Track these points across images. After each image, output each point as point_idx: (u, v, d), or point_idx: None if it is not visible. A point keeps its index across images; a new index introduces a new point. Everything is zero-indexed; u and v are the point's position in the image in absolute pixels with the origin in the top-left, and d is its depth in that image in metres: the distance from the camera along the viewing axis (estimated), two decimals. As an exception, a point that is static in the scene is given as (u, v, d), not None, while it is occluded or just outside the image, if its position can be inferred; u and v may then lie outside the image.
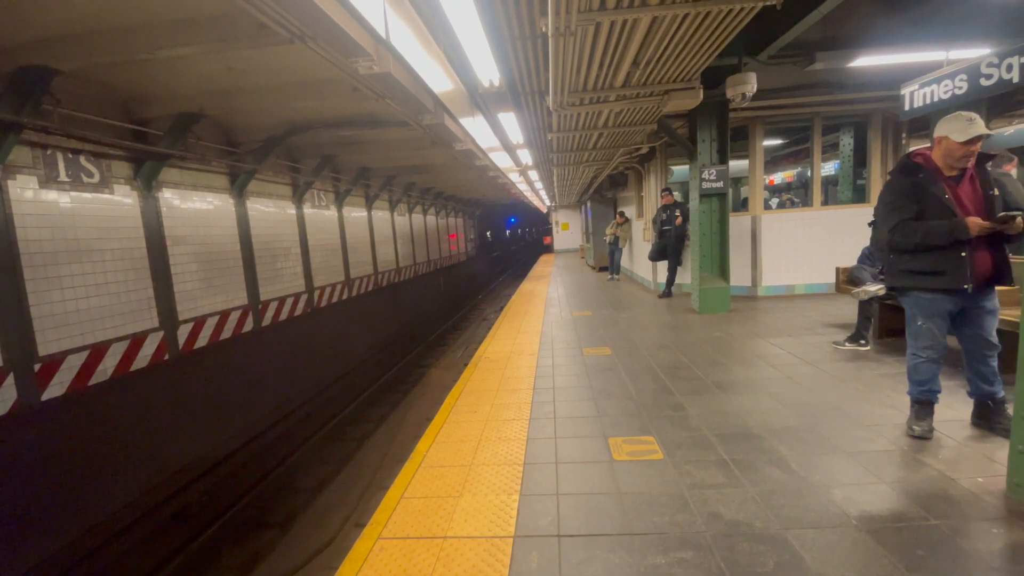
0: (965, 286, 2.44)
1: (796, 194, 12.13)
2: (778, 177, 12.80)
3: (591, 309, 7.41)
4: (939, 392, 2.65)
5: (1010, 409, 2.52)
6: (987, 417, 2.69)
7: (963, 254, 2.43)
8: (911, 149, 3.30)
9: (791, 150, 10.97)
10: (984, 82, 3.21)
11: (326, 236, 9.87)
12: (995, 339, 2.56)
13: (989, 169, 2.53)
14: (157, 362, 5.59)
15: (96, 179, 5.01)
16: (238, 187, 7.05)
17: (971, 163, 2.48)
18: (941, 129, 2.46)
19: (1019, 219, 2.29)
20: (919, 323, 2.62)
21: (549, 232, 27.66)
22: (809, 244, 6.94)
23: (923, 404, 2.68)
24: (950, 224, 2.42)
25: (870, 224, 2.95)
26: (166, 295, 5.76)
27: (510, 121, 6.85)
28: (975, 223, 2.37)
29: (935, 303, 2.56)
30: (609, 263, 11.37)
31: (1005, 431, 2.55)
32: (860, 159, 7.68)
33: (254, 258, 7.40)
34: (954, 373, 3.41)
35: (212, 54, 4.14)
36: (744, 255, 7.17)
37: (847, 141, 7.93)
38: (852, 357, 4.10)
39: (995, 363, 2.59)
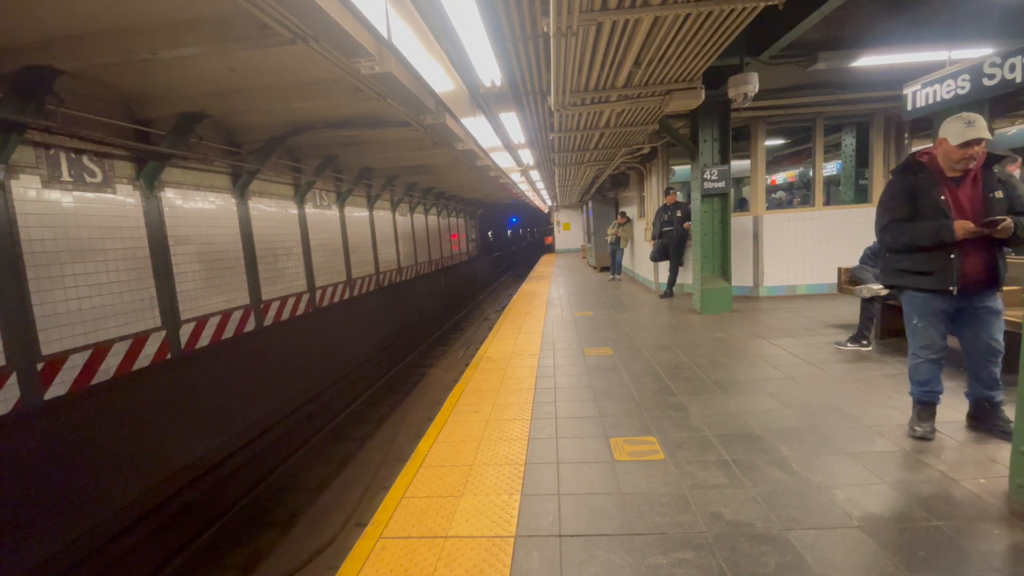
0: (951, 288, 2.45)
1: (797, 194, 12.10)
2: (780, 177, 12.78)
3: (592, 309, 7.41)
4: (941, 393, 2.64)
5: (1008, 411, 2.51)
6: (983, 419, 2.67)
7: (952, 256, 2.43)
8: (916, 148, 3.26)
9: (793, 150, 10.95)
10: (987, 82, 3.21)
11: (328, 236, 9.89)
12: (997, 343, 2.49)
13: (997, 171, 2.46)
14: (159, 361, 5.61)
15: (99, 179, 5.03)
16: (240, 187, 7.07)
17: (976, 165, 2.44)
18: (941, 131, 2.45)
19: (1008, 222, 2.26)
20: (915, 322, 2.64)
21: (550, 232, 27.67)
22: (811, 244, 6.93)
23: (924, 405, 2.66)
24: (936, 226, 2.43)
25: None
26: (168, 295, 5.78)
27: (511, 121, 6.86)
28: (961, 226, 2.36)
29: (928, 302, 2.57)
30: (610, 263, 11.38)
31: (1003, 433, 2.54)
32: (862, 159, 7.67)
33: (256, 258, 7.42)
34: (956, 374, 3.41)
35: (214, 54, 4.15)
36: (746, 255, 7.17)
37: (849, 141, 7.92)
38: (854, 358, 4.09)
39: (997, 370, 2.53)
